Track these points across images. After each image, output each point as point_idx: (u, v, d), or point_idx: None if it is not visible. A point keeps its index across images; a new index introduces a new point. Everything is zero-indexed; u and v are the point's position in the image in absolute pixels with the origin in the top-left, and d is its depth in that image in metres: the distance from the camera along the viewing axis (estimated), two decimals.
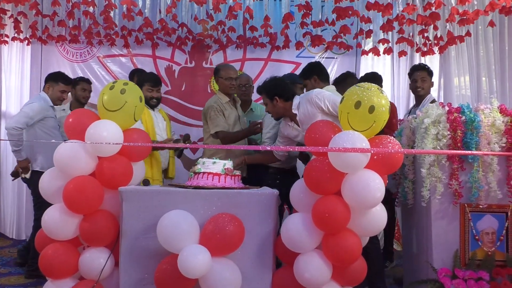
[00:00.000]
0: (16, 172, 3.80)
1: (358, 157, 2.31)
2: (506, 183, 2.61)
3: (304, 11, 4.22)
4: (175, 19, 4.54)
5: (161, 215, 2.44)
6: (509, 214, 2.63)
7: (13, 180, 4.10)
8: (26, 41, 4.94)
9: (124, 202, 2.59)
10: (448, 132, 2.60)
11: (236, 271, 2.46)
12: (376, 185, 2.34)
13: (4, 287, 3.41)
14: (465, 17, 3.94)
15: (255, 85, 3.61)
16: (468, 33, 4.24)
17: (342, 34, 4.62)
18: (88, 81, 4.25)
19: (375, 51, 4.77)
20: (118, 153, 2.75)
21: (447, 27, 4.43)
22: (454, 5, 3.97)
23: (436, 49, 4.67)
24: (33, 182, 3.60)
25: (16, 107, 4.94)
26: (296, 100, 3.05)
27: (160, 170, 3.57)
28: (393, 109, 3.57)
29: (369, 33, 4.66)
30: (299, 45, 4.88)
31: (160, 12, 4.67)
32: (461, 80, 4.71)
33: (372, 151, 2.36)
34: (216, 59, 5.16)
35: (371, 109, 2.36)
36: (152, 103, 3.58)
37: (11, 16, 4.57)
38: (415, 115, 2.95)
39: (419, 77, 3.80)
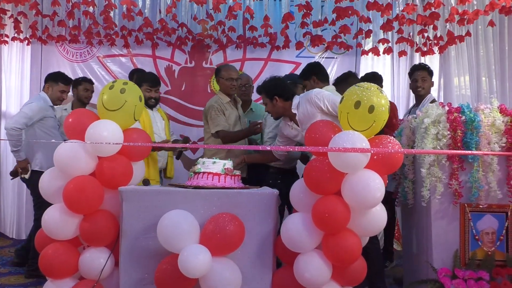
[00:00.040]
0: (15, 172, 3.80)
1: (358, 157, 2.31)
2: (506, 183, 2.61)
3: (304, 11, 4.21)
4: (175, 19, 4.53)
5: (161, 215, 2.45)
6: (509, 214, 2.63)
7: (11, 179, 4.10)
8: (26, 41, 4.93)
9: (124, 202, 2.59)
10: (448, 132, 2.60)
11: (236, 271, 2.46)
12: (376, 185, 2.34)
13: (4, 287, 3.40)
14: (465, 17, 3.95)
15: (255, 85, 3.60)
16: (468, 33, 4.24)
17: (342, 34, 4.62)
18: (90, 81, 4.25)
19: (375, 51, 4.77)
20: (118, 152, 2.75)
21: (447, 27, 4.43)
22: (454, 5, 3.98)
23: (436, 49, 4.67)
24: (32, 182, 3.61)
25: (16, 107, 4.94)
26: (296, 100, 3.06)
27: (157, 170, 3.58)
28: (393, 109, 3.56)
29: (369, 33, 4.65)
30: (299, 45, 4.87)
31: (160, 12, 4.67)
32: (461, 80, 4.71)
33: (372, 151, 2.36)
34: (216, 59, 5.15)
35: (371, 109, 2.36)
36: (150, 103, 3.58)
37: (11, 16, 4.56)
38: (415, 115, 2.95)
39: (419, 77, 3.79)
